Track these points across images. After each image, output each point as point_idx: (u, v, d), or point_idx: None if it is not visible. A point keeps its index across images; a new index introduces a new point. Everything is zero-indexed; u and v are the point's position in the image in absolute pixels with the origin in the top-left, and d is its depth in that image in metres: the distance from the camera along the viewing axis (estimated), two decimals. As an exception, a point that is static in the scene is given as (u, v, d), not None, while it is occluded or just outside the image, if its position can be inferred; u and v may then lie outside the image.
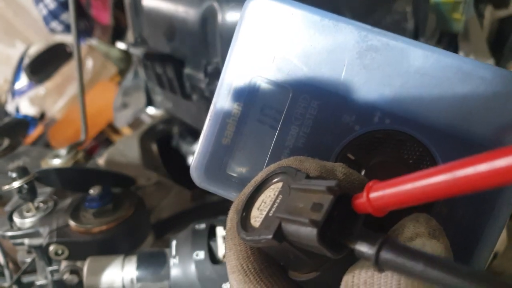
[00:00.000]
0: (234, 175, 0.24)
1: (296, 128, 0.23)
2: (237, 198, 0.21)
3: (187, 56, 0.58)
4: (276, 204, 0.18)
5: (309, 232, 0.16)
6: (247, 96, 0.23)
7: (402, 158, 0.21)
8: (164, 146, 0.82)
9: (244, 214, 0.19)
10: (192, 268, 0.43)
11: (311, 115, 0.23)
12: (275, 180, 0.20)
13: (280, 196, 0.19)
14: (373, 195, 0.15)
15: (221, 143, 0.24)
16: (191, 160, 0.25)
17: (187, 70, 0.58)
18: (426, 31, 0.51)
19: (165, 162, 0.79)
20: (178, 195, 0.68)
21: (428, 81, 0.21)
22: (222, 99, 0.24)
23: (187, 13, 0.54)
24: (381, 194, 0.15)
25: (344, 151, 0.22)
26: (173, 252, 0.45)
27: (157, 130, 0.85)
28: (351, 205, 0.16)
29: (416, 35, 0.49)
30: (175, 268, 0.44)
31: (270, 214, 0.18)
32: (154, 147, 0.80)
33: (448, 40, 0.63)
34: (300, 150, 0.23)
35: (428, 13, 0.50)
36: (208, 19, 0.52)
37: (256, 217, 0.19)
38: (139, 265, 0.46)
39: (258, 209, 0.19)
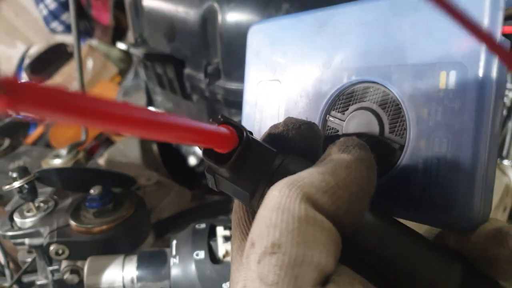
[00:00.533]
0: None
1: (304, 100, 0.27)
2: None
3: (187, 57, 0.58)
4: None
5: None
6: (257, 97, 0.30)
7: (369, 105, 0.23)
8: (164, 146, 0.82)
9: None
10: (192, 267, 0.43)
11: (305, 92, 0.27)
12: None
13: None
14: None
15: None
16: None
17: (187, 71, 0.59)
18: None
19: (165, 162, 0.79)
20: (178, 195, 0.69)
21: (370, 30, 0.23)
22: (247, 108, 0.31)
23: (187, 13, 0.54)
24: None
25: (326, 113, 0.26)
26: (173, 251, 0.45)
27: (158, 130, 0.85)
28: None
29: None
30: (175, 268, 0.44)
31: None
32: (155, 147, 0.80)
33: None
34: (302, 117, 0.27)
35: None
36: (208, 19, 0.52)
37: None
38: (140, 265, 0.46)
39: None
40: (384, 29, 0.23)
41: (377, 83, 0.23)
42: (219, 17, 0.50)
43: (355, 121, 0.24)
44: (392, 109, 0.22)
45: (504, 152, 0.78)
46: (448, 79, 0.20)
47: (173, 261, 0.44)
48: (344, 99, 0.25)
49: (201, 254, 0.44)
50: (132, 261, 0.46)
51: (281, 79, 0.28)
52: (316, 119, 0.26)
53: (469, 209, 0.19)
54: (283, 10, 0.48)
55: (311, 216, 0.15)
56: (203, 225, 0.47)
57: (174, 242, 0.46)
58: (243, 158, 0.19)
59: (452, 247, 0.20)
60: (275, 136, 0.21)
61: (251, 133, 0.20)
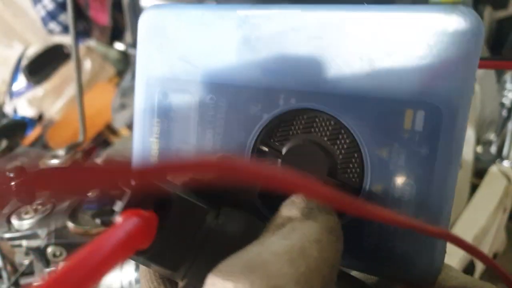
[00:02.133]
0: None
1: (211, 131, 0.21)
2: None
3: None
4: None
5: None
6: (158, 111, 0.22)
7: (316, 138, 0.19)
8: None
9: None
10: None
11: (222, 114, 0.21)
12: None
13: None
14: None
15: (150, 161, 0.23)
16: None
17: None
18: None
19: (164, 163, 0.78)
20: (177, 197, 0.68)
21: (319, 45, 0.18)
22: (140, 120, 0.23)
23: (186, 13, 0.54)
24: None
25: (256, 144, 0.20)
26: (172, 253, 0.45)
27: (156, 131, 0.85)
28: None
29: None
30: (174, 270, 0.44)
31: None
32: (153, 148, 0.80)
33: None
34: (219, 152, 0.21)
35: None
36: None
37: None
38: (138, 267, 0.46)
39: None
40: (342, 48, 0.18)
41: (326, 113, 0.19)
42: (218, 18, 0.50)
43: (298, 157, 0.19)
44: (345, 146, 0.19)
45: (504, 153, 0.78)
46: (415, 119, 0.17)
47: (172, 263, 0.44)
48: (282, 127, 0.20)
49: (200, 256, 0.43)
50: (131, 263, 0.46)
51: (192, 91, 0.21)
52: (243, 147, 0.20)
53: (431, 263, 0.18)
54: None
55: None
56: (202, 227, 0.47)
57: (173, 244, 0.46)
58: (165, 236, 0.16)
59: None
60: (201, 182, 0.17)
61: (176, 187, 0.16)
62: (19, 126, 0.74)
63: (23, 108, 1.28)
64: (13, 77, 1.29)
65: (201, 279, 0.14)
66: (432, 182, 0.17)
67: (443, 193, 0.17)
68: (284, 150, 0.20)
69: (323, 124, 0.19)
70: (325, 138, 0.19)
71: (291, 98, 0.19)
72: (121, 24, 1.18)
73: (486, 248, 0.69)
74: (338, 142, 0.19)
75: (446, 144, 0.17)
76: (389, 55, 0.17)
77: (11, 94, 1.30)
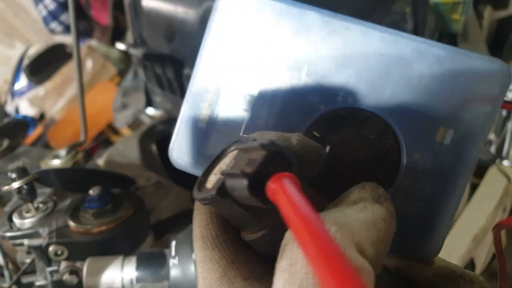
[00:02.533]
0: (210, 156, 0.25)
1: (266, 110, 0.24)
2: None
3: (186, 57, 0.58)
4: (228, 168, 0.20)
5: (241, 184, 0.17)
6: (220, 81, 0.25)
7: (365, 134, 0.23)
8: (164, 147, 0.82)
9: (202, 179, 0.21)
10: (192, 268, 0.43)
11: (280, 97, 0.24)
12: (232, 148, 0.21)
13: (233, 161, 0.20)
14: (271, 185, 0.16)
15: (197, 126, 0.25)
16: (170, 144, 0.26)
17: (187, 71, 0.58)
18: (425, 31, 0.51)
19: (165, 162, 0.79)
20: (177, 196, 0.68)
21: (386, 61, 0.22)
22: (198, 83, 0.25)
23: (187, 13, 0.54)
24: (274, 192, 0.16)
25: (310, 129, 0.23)
26: (173, 252, 0.45)
27: (157, 130, 0.85)
28: (288, 162, 0.18)
29: (415, 35, 0.49)
30: (175, 269, 0.44)
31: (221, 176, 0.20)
32: (154, 148, 0.80)
33: (447, 41, 0.63)
34: (271, 129, 0.24)
35: (427, 13, 0.50)
36: (207, 19, 0.52)
37: (212, 181, 0.20)
38: (139, 266, 0.46)
39: (214, 174, 0.20)
40: (401, 67, 0.22)
41: (378, 116, 0.23)
42: (219, 18, 0.50)
43: (345, 146, 0.23)
44: (388, 145, 0.23)
45: (504, 153, 0.78)
46: (446, 135, 0.22)
47: (173, 262, 0.44)
48: (336, 119, 0.23)
49: (201, 255, 0.43)
50: (131, 262, 0.46)
51: (263, 70, 0.24)
52: (296, 129, 0.24)
53: (431, 243, 0.23)
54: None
55: (366, 267, 0.15)
56: (202, 226, 0.47)
57: (174, 243, 0.46)
58: None
59: (410, 278, 0.23)
60: (282, 155, 0.18)
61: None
62: (21, 126, 0.75)
63: (25, 107, 1.29)
64: (15, 77, 1.30)
65: (281, 231, 0.17)
66: (447, 185, 0.22)
67: (453, 196, 0.22)
68: (334, 139, 0.23)
69: (373, 124, 0.23)
70: (372, 136, 0.23)
71: (349, 97, 0.23)
72: (122, 24, 1.18)
73: (486, 248, 0.69)
74: (383, 140, 0.23)
75: (465, 158, 0.22)
76: (437, 82, 0.22)
77: (13, 94, 1.30)
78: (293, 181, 0.16)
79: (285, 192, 0.15)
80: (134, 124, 0.98)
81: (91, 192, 0.50)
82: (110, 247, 0.48)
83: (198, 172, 0.25)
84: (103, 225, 0.48)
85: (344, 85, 0.23)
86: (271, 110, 0.24)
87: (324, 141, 0.23)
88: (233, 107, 0.24)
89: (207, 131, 0.25)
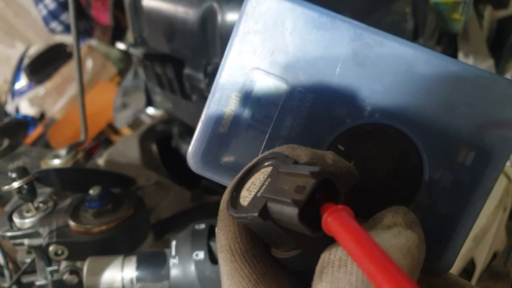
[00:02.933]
0: (230, 162, 0.25)
1: (291, 120, 0.24)
2: (231, 182, 0.22)
3: (187, 57, 0.58)
4: (264, 186, 0.20)
5: (291, 211, 0.17)
6: (245, 87, 0.24)
7: (389, 150, 0.23)
8: (164, 147, 0.82)
9: (234, 194, 0.21)
10: (192, 268, 0.43)
11: (306, 108, 0.24)
12: (266, 164, 0.21)
13: (269, 179, 0.20)
14: (329, 220, 0.16)
15: (218, 131, 0.25)
16: (189, 148, 0.26)
17: (187, 71, 0.58)
18: (426, 31, 0.51)
19: (165, 162, 0.79)
20: (177, 195, 0.68)
21: (416, 79, 0.23)
22: (221, 89, 0.25)
23: (187, 13, 0.54)
24: (333, 226, 0.16)
25: (335, 142, 0.23)
26: (173, 252, 0.45)
27: (157, 130, 0.85)
28: (333, 189, 0.18)
29: (415, 35, 0.50)
30: (175, 268, 0.44)
31: (258, 195, 0.20)
32: (154, 148, 0.80)
33: (448, 40, 0.63)
34: (294, 140, 0.24)
35: (428, 13, 0.50)
36: (208, 19, 0.52)
37: (245, 197, 0.20)
38: (139, 265, 0.46)
39: (247, 190, 0.20)
40: (431, 86, 0.22)
41: (403, 132, 0.23)
42: (219, 17, 0.50)
43: (368, 161, 0.23)
44: (411, 162, 0.23)
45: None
46: (467, 157, 0.22)
47: (173, 261, 0.44)
48: (362, 134, 0.23)
49: (201, 255, 0.43)
50: (132, 262, 0.46)
51: (285, 78, 0.24)
52: (320, 142, 0.24)
53: (445, 259, 0.23)
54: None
55: None
56: (202, 226, 0.47)
57: (174, 243, 0.46)
58: None
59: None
60: (330, 184, 0.18)
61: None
62: (21, 125, 0.75)
63: (25, 107, 1.29)
64: (15, 76, 1.30)
65: (316, 252, 0.18)
66: (464, 205, 0.23)
67: (469, 215, 0.23)
68: (359, 154, 0.23)
69: (398, 141, 0.23)
70: (396, 153, 0.23)
71: (376, 113, 0.23)
72: (122, 23, 1.18)
73: (487, 247, 0.69)
74: (406, 158, 0.23)
75: (484, 180, 0.22)
76: (465, 104, 0.22)
77: (13, 93, 1.30)
78: (350, 214, 0.17)
79: (346, 227, 0.16)
80: (134, 123, 0.98)
81: (91, 191, 0.50)
82: (110, 247, 0.48)
83: (217, 178, 0.25)
84: (103, 225, 0.48)
85: (372, 100, 0.23)
86: (296, 120, 0.24)
87: (348, 155, 0.23)
88: (256, 114, 0.24)
89: (228, 137, 0.25)
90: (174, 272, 0.44)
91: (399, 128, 0.23)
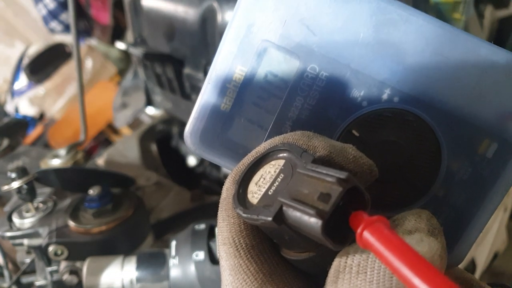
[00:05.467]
0: (232, 143, 0.23)
1: (301, 99, 0.22)
2: (236, 168, 0.20)
3: (186, 56, 0.58)
4: (276, 183, 0.18)
5: (313, 223, 0.15)
6: (252, 60, 0.22)
7: (407, 138, 0.21)
8: (164, 146, 0.82)
9: (241, 187, 0.19)
10: (192, 268, 0.43)
11: (318, 87, 0.21)
12: (277, 156, 0.19)
13: (282, 175, 0.18)
14: (365, 234, 0.15)
15: (220, 109, 0.22)
16: (186, 127, 0.23)
17: (187, 70, 0.58)
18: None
19: (165, 162, 0.79)
20: (177, 195, 0.68)
21: (443, 61, 0.20)
22: (223, 62, 0.22)
23: (187, 13, 0.54)
24: (370, 240, 0.15)
25: (349, 127, 0.21)
26: (173, 252, 0.45)
27: (157, 130, 0.85)
28: (358, 193, 0.16)
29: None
30: (175, 269, 0.44)
31: (270, 193, 0.18)
32: (154, 147, 0.80)
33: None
34: (303, 123, 0.22)
35: (428, 13, 0.50)
36: (207, 19, 0.52)
37: (254, 192, 0.18)
38: (139, 266, 0.46)
39: (256, 184, 0.19)
40: (459, 72, 0.20)
41: (423, 120, 0.21)
42: (219, 17, 0.50)
43: (385, 148, 0.21)
44: (430, 151, 0.21)
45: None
46: (489, 148, 0.21)
47: (173, 262, 0.44)
48: (379, 118, 0.21)
49: (201, 255, 0.43)
50: (131, 262, 0.46)
51: (299, 55, 0.21)
52: (333, 125, 0.22)
53: (456, 253, 0.22)
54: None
55: None
56: (202, 226, 0.47)
57: (174, 243, 0.46)
58: None
59: None
60: (358, 191, 0.17)
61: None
62: (21, 125, 0.74)
63: (25, 107, 1.29)
64: (15, 76, 1.30)
65: (329, 256, 0.16)
66: (481, 199, 0.21)
67: (485, 210, 0.22)
68: (374, 140, 0.21)
69: (417, 128, 0.21)
70: (415, 141, 0.21)
71: (395, 96, 0.21)
72: (122, 23, 1.18)
73: (487, 247, 0.69)
74: (425, 147, 0.21)
75: (504, 174, 0.21)
76: (492, 92, 0.20)
77: (13, 93, 1.30)
78: (386, 224, 0.15)
79: (387, 242, 0.14)
80: (134, 123, 0.98)
81: (91, 191, 0.49)
82: (110, 247, 0.48)
83: (217, 160, 0.23)
84: (103, 225, 0.48)
85: (392, 82, 0.21)
86: (306, 101, 0.22)
87: (362, 141, 0.21)
88: (263, 92, 0.22)
89: (230, 115, 0.22)
90: (174, 272, 0.44)
91: (419, 114, 0.21)
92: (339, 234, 0.16)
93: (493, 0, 0.69)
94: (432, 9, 0.53)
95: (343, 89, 0.21)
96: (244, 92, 0.22)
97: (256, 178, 0.19)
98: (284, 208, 0.17)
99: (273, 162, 0.19)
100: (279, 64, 0.21)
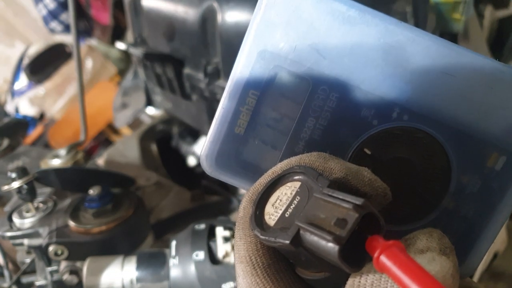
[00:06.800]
0: (247, 164, 0.23)
1: (313, 120, 0.22)
2: (252, 188, 0.21)
3: (186, 56, 0.58)
4: (293, 205, 0.19)
5: (330, 248, 0.16)
6: (264, 84, 0.22)
7: (417, 154, 0.22)
8: (164, 146, 0.82)
9: (258, 208, 0.20)
10: (192, 268, 0.43)
11: (329, 108, 0.22)
12: (293, 178, 0.19)
13: (298, 197, 0.19)
14: (382, 258, 0.16)
15: (234, 131, 0.23)
16: (202, 148, 0.24)
17: (187, 70, 0.58)
18: (426, 31, 0.50)
19: (165, 162, 0.79)
20: (177, 195, 0.68)
21: (449, 81, 0.21)
22: (237, 87, 0.23)
23: (187, 13, 0.54)
24: (387, 263, 0.15)
25: (361, 145, 0.22)
26: (173, 252, 0.45)
27: (157, 130, 0.85)
28: (373, 218, 0.16)
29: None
30: (175, 269, 0.44)
31: (287, 215, 0.18)
32: (154, 147, 0.80)
33: (448, 40, 0.63)
34: (316, 143, 0.22)
35: (428, 13, 0.50)
36: (207, 19, 0.52)
37: (271, 214, 0.19)
38: (139, 266, 0.46)
39: (273, 205, 0.19)
40: (465, 89, 0.21)
41: (432, 137, 0.22)
42: (219, 17, 0.50)
43: (396, 166, 0.22)
44: (439, 166, 0.22)
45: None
46: (497, 161, 0.22)
47: (173, 261, 0.44)
48: (390, 137, 0.22)
49: (201, 255, 0.43)
50: (132, 262, 0.46)
51: (309, 78, 0.22)
52: (345, 145, 0.22)
53: (466, 264, 0.23)
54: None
55: None
56: (202, 226, 0.47)
57: (174, 243, 0.46)
58: None
59: None
60: (373, 218, 0.17)
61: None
62: (21, 125, 0.75)
63: (25, 107, 1.29)
64: (15, 76, 1.30)
65: (344, 276, 0.17)
66: (491, 211, 0.22)
67: (495, 222, 0.22)
68: (385, 157, 0.22)
69: (427, 144, 0.22)
70: (425, 157, 0.22)
71: (405, 114, 0.22)
72: (122, 23, 1.18)
73: (487, 247, 0.69)
74: (435, 162, 0.22)
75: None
76: (499, 107, 0.21)
77: (13, 93, 1.30)
78: (401, 249, 0.16)
79: (403, 266, 0.15)
80: (134, 123, 0.98)
81: (91, 192, 0.50)
82: (110, 247, 0.48)
83: (233, 181, 0.24)
84: (103, 225, 0.48)
85: (401, 101, 0.21)
86: (318, 122, 0.22)
87: (375, 158, 0.22)
88: (276, 114, 0.22)
89: (245, 138, 0.23)
90: (174, 272, 0.44)
91: (428, 131, 0.22)
92: (355, 257, 0.16)
93: (493, 0, 0.69)
94: (432, 9, 0.53)
95: (354, 109, 0.22)
96: (258, 115, 0.23)
97: (272, 199, 0.19)
98: (301, 231, 0.17)
99: (289, 184, 0.19)
100: (290, 87, 0.22)
